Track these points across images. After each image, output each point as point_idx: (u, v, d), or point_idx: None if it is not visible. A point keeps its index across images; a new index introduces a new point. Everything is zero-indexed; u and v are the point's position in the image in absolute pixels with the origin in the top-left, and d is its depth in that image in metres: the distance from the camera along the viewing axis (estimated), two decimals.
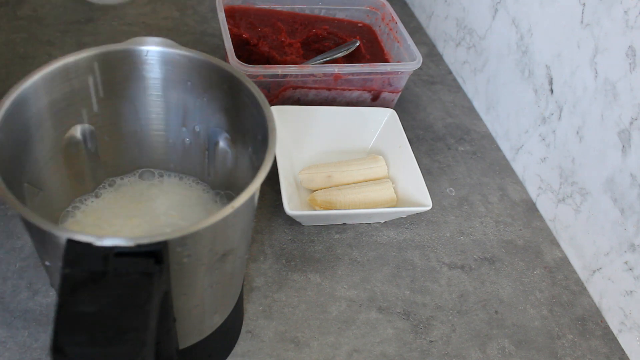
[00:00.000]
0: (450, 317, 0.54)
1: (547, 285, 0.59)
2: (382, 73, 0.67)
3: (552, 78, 0.63)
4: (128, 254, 0.28)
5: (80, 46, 0.75)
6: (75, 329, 0.26)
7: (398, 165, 0.62)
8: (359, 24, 0.79)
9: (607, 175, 0.56)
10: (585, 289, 0.59)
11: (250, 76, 0.61)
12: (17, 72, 0.69)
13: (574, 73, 0.60)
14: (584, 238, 0.59)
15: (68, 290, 0.27)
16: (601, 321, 0.57)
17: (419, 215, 0.63)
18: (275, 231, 0.58)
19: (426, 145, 0.72)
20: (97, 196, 0.44)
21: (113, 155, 0.44)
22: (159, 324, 0.29)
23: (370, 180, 0.61)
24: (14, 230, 0.54)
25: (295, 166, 0.63)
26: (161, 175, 0.47)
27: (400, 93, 0.71)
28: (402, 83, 0.70)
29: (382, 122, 0.66)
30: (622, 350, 0.55)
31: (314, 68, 0.64)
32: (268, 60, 0.70)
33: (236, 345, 0.49)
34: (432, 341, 0.52)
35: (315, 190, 0.61)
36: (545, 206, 0.65)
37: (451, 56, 0.84)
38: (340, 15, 0.79)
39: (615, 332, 0.56)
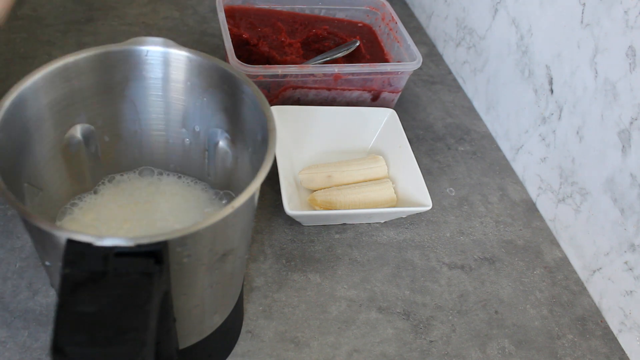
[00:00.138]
0: (450, 317, 0.54)
1: (547, 285, 0.59)
2: (382, 73, 0.67)
3: (552, 78, 0.63)
4: (128, 254, 0.28)
5: (80, 46, 0.75)
6: (75, 329, 0.26)
7: (398, 165, 0.62)
8: (359, 24, 0.79)
9: (607, 175, 0.56)
10: (585, 289, 0.59)
11: (250, 76, 0.61)
12: (17, 72, 0.69)
13: (574, 73, 0.60)
14: (584, 238, 0.59)
15: (68, 290, 0.27)
16: (601, 321, 0.57)
17: (419, 215, 0.63)
18: (275, 231, 0.58)
19: (426, 145, 0.72)
20: (95, 192, 0.44)
21: (113, 155, 0.44)
22: (159, 324, 0.29)
23: (370, 180, 0.61)
24: (14, 230, 0.54)
25: (295, 166, 0.63)
26: (160, 174, 0.47)
27: (400, 93, 0.71)
28: (402, 83, 0.70)
29: (382, 122, 0.66)
30: (622, 350, 0.55)
31: (314, 68, 0.64)
32: (268, 60, 0.70)
33: (236, 345, 0.49)
34: (432, 341, 0.52)
35: (315, 190, 0.61)
36: (545, 206, 0.65)
37: (451, 56, 0.84)
38: (340, 15, 0.79)
39: (615, 332, 0.56)
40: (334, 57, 0.72)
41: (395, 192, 0.60)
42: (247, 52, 0.71)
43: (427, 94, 0.80)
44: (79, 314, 0.27)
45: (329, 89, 0.68)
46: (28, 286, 0.50)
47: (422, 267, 0.58)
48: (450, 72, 0.84)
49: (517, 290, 0.58)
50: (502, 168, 0.71)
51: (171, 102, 0.42)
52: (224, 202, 0.46)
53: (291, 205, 0.54)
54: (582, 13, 0.58)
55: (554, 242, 0.63)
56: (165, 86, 0.41)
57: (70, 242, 0.28)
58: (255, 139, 0.38)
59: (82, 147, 0.42)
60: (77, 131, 0.40)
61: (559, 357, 0.53)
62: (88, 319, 0.27)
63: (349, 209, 0.58)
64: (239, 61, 0.61)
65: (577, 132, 0.60)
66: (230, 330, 0.47)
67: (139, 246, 0.28)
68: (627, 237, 0.54)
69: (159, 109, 0.43)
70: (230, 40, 0.64)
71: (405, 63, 0.67)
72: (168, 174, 0.47)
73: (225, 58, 0.67)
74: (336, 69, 0.64)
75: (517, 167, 0.70)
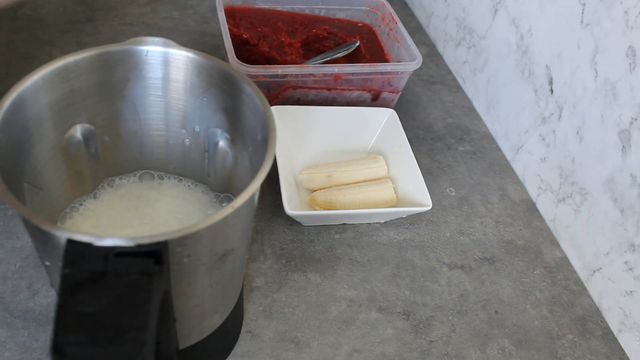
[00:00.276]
0: (450, 317, 0.54)
1: (547, 285, 0.59)
2: (382, 73, 0.67)
3: (552, 78, 0.63)
4: (128, 254, 0.28)
5: (80, 46, 0.75)
6: (75, 329, 0.26)
7: (398, 165, 0.62)
8: (359, 24, 0.79)
9: (607, 175, 0.56)
10: (585, 289, 0.59)
11: (250, 76, 0.61)
12: (17, 72, 0.69)
13: (574, 73, 0.60)
14: (584, 238, 0.59)
15: (68, 290, 0.27)
16: (601, 321, 0.57)
17: (419, 215, 0.63)
18: (275, 231, 0.58)
19: (426, 145, 0.72)
20: (95, 197, 0.44)
21: (113, 155, 0.44)
22: (159, 324, 0.29)
23: (370, 180, 0.61)
24: (14, 230, 0.54)
25: (295, 166, 0.63)
26: (161, 178, 0.47)
27: (400, 93, 0.71)
28: (402, 83, 0.70)
29: (382, 122, 0.66)
30: (622, 350, 0.55)
31: (314, 68, 0.64)
32: (268, 60, 0.70)
33: (236, 345, 0.49)
34: (432, 341, 0.52)
35: (315, 190, 0.61)
36: (545, 206, 0.65)
37: (451, 56, 0.84)
38: (340, 15, 0.79)
39: (615, 332, 0.56)
40: (334, 57, 0.72)
41: (395, 192, 0.60)
42: (247, 52, 0.71)
43: (427, 94, 0.80)
44: (79, 314, 0.27)
45: (329, 89, 0.68)
46: (28, 286, 0.50)
47: (422, 267, 0.58)
48: (450, 72, 0.84)
49: (517, 290, 0.58)
50: (502, 168, 0.71)
51: (171, 102, 0.42)
52: (224, 204, 0.46)
53: (291, 205, 0.54)
54: (582, 13, 0.58)
55: (554, 242, 0.63)
56: (165, 86, 0.41)
57: (70, 242, 0.28)
58: (255, 139, 0.38)
59: (82, 147, 0.42)
60: (77, 131, 0.40)
61: (559, 357, 0.53)
62: (88, 319, 0.27)
63: (349, 209, 0.58)
64: (239, 61, 0.61)
65: (577, 132, 0.60)
66: (230, 330, 0.47)
67: (139, 246, 0.28)
68: (627, 237, 0.54)
69: (159, 109, 0.43)
70: (230, 40, 0.64)
71: (405, 63, 0.67)
72: (168, 177, 0.47)
73: (225, 58, 0.67)
74: (336, 69, 0.64)
75: (517, 167, 0.70)
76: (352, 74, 0.66)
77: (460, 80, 0.82)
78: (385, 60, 0.75)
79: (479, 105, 0.78)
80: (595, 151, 0.57)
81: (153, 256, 0.29)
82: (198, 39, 0.80)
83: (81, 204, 0.43)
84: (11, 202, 0.29)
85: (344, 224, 0.60)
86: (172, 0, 0.86)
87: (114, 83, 0.40)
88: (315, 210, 0.58)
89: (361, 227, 0.61)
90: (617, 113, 0.54)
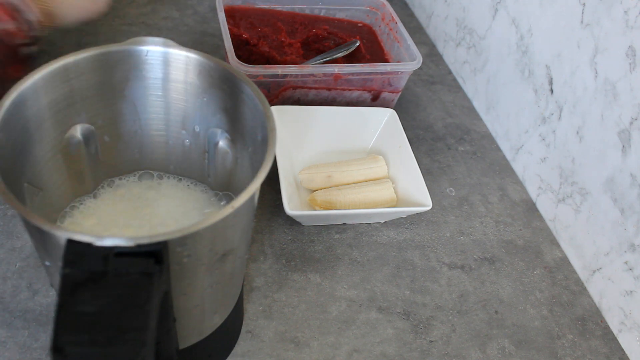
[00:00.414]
0: (450, 317, 0.54)
1: (547, 285, 0.59)
2: (382, 73, 0.67)
3: (552, 78, 0.63)
4: (128, 254, 0.28)
5: (80, 46, 0.75)
6: (75, 329, 0.26)
7: (398, 165, 0.62)
8: (359, 24, 0.79)
9: (607, 175, 0.56)
10: (585, 289, 0.59)
11: (250, 76, 0.61)
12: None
13: (574, 73, 0.60)
14: (584, 238, 0.59)
15: (68, 290, 0.27)
16: (601, 321, 0.57)
17: (419, 215, 0.63)
18: (275, 231, 0.58)
19: (426, 145, 0.72)
20: (95, 197, 0.44)
21: (113, 155, 0.44)
22: (159, 324, 0.29)
23: (370, 180, 0.61)
24: (14, 230, 0.54)
25: (295, 166, 0.63)
26: (160, 178, 0.47)
27: (400, 93, 0.71)
28: (402, 83, 0.70)
29: (382, 122, 0.66)
30: (622, 350, 0.55)
31: (314, 68, 0.64)
32: (268, 60, 0.70)
33: (236, 345, 0.49)
34: (432, 341, 0.52)
35: (315, 190, 0.61)
36: (545, 206, 0.65)
37: (451, 56, 0.84)
38: (340, 15, 0.79)
39: (615, 332, 0.56)
40: (334, 57, 0.72)
41: (395, 192, 0.60)
42: (247, 52, 0.71)
43: (427, 94, 0.80)
44: (79, 314, 0.27)
45: (329, 89, 0.68)
46: (28, 286, 0.50)
47: (422, 267, 0.58)
48: (450, 72, 0.84)
49: (517, 290, 0.58)
50: (502, 168, 0.71)
51: (171, 102, 0.42)
52: (223, 203, 0.46)
53: (291, 205, 0.54)
54: (582, 13, 0.58)
55: (554, 242, 0.63)
56: (165, 86, 0.41)
57: (70, 242, 0.28)
58: (255, 139, 0.38)
59: (82, 147, 0.42)
60: (77, 131, 0.40)
61: (559, 357, 0.53)
62: (88, 319, 0.27)
63: (349, 209, 0.58)
64: (239, 61, 0.61)
65: (577, 132, 0.60)
66: (230, 330, 0.47)
67: (139, 246, 0.28)
68: (627, 237, 0.54)
69: (159, 109, 0.43)
70: (230, 40, 0.64)
71: (405, 63, 0.67)
72: (168, 177, 0.47)
73: (225, 58, 0.67)
74: (336, 69, 0.64)
75: (517, 167, 0.70)
76: (352, 74, 0.66)
77: (460, 80, 0.82)
78: (385, 60, 0.75)
79: (479, 105, 0.78)
80: (595, 151, 0.57)
81: (153, 256, 0.29)
82: (198, 39, 0.80)
83: (81, 203, 0.43)
84: (11, 202, 0.29)
85: (344, 224, 0.60)
86: (172, 0, 0.86)
87: (114, 83, 0.40)
88: (315, 210, 0.58)
89: (361, 227, 0.61)
90: (617, 113, 0.54)
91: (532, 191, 0.68)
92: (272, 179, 0.59)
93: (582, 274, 0.60)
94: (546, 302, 0.57)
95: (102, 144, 0.43)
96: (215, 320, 0.43)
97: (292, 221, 0.59)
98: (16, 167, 0.35)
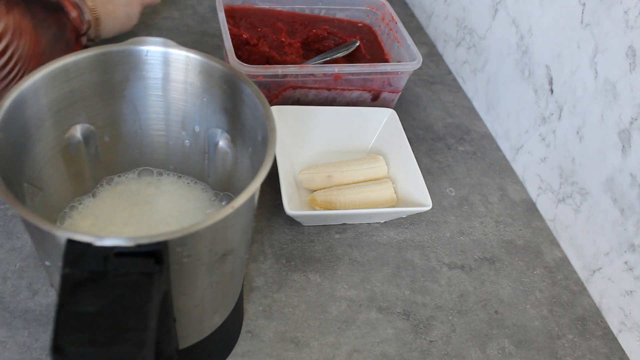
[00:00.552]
0: (450, 317, 0.54)
1: (547, 285, 0.59)
2: (382, 73, 0.67)
3: (552, 78, 0.63)
4: (128, 254, 0.28)
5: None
6: (75, 329, 0.26)
7: (398, 165, 0.62)
8: (359, 24, 0.79)
9: (607, 175, 0.56)
10: (585, 289, 0.59)
11: (250, 76, 0.61)
12: None
13: (574, 73, 0.60)
14: (584, 238, 0.59)
15: (68, 290, 0.27)
16: (601, 321, 0.57)
17: (419, 215, 0.63)
18: (275, 231, 0.58)
19: (426, 145, 0.72)
20: (94, 196, 0.44)
21: (113, 155, 0.44)
22: (159, 324, 0.29)
23: (370, 180, 0.61)
24: (14, 230, 0.54)
25: (295, 166, 0.63)
26: (160, 174, 0.47)
27: (400, 93, 0.71)
28: (402, 83, 0.70)
29: (382, 122, 0.66)
30: (622, 350, 0.55)
31: (314, 68, 0.64)
32: (268, 60, 0.70)
33: (236, 345, 0.49)
34: (432, 341, 0.52)
35: (315, 190, 0.61)
36: (545, 206, 0.65)
37: (451, 56, 0.84)
38: (340, 15, 0.79)
39: (615, 332, 0.56)
40: (334, 57, 0.72)
41: (395, 192, 0.60)
42: (247, 52, 0.71)
43: (427, 94, 0.80)
44: (79, 314, 0.27)
45: (329, 89, 0.68)
46: (28, 286, 0.50)
47: (422, 267, 0.58)
48: (450, 72, 0.84)
49: (517, 290, 0.58)
50: (502, 168, 0.71)
51: (171, 102, 0.42)
52: (223, 203, 0.46)
53: (291, 205, 0.54)
54: (582, 13, 0.58)
55: (554, 242, 0.63)
56: (165, 86, 0.41)
57: (70, 242, 0.28)
58: (255, 139, 0.38)
59: (82, 148, 0.42)
60: (77, 131, 0.40)
61: (559, 357, 0.53)
62: (88, 319, 0.27)
63: (349, 209, 0.58)
64: (239, 61, 0.61)
65: (577, 132, 0.60)
66: (230, 330, 0.47)
67: (139, 246, 0.28)
68: (627, 237, 0.54)
69: (159, 109, 0.43)
70: (230, 40, 0.64)
71: (405, 63, 0.67)
72: (168, 174, 0.47)
73: (225, 58, 0.67)
74: (336, 69, 0.64)
75: (517, 167, 0.70)
76: (352, 74, 0.66)
77: (460, 80, 0.82)
78: (385, 60, 0.75)
79: (479, 105, 0.78)
80: (595, 151, 0.57)
81: (153, 256, 0.29)
82: (198, 39, 0.80)
83: (80, 203, 0.43)
84: (11, 202, 0.29)
85: (344, 224, 0.60)
86: (172, 0, 0.86)
87: (114, 83, 0.40)
88: (315, 210, 0.58)
89: (361, 227, 0.61)
90: (617, 113, 0.54)
91: (532, 191, 0.68)
92: (272, 179, 0.59)
93: (582, 274, 0.60)
94: (546, 302, 0.57)
95: (102, 144, 0.43)
96: (215, 320, 0.43)
97: (292, 221, 0.59)
98: (16, 167, 0.35)
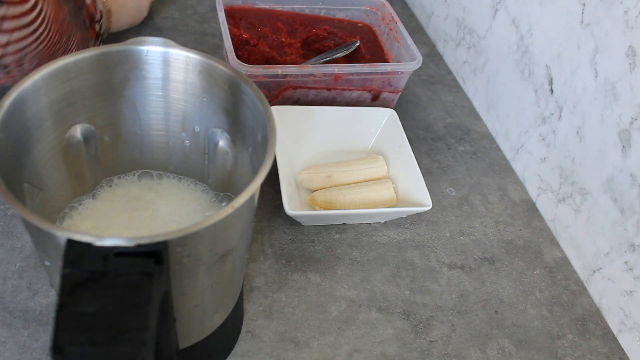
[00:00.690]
0: (450, 317, 0.54)
1: (547, 285, 0.59)
2: (382, 73, 0.67)
3: (552, 78, 0.63)
4: (128, 254, 0.28)
5: None
6: (75, 329, 0.26)
7: (398, 165, 0.62)
8: (359, 24, 0.79)
9: (607, 175, 0.56)
10: (585, 289, 0.59)
11: (250, 76, 0.61)
12: None
13: (574, 73, 0.60)
14: (584, 238, 0.59)
15: (68, 290, 0.27)
16: (601, 321, 0.57)
17: (419, 215, 0.63)
18: (275, 231, 0.58)
19: (426, 145, 0.72)
20: (94, 197, 0.44)
21: (113, 155, 0.44)
22: (159, 324, 0.29)
23: (370, 180, 0.61)
24: (14, 230, 0.54)
25: (295, 166, 0.63)
26: (160, 177, 0.47)
27: (400, 93, 0.71)
28: (402, 83, 0.70)
29: (382, 122, 0.66)
30: (622, 350, 0.55)
31: (314, 68, 0.64)
32: (268, 60, 0.70)
33: (236, 345, 0.49)
34: (432, 341, 0.52)
35: (315, 190, 0.61)
36: (545, 206, 0.65)
37: (451, 56, 0.84)
38: (340, 15, 0.79)
39: (615, 332, 0.56)
40: (334, 57, 0.72)
41: (395, 192, 0.60)
42: (247, 52, 0.71)
43: (427, 94, 0.80)
44: (79, 314, 0.27)
45: (329, 89, 0.68)
46: (28, 286, 0.50)
47: (422, 267, 0.58)
48: (450, 72, 0.84)
49: (517, 290, 0.58)
50: (502, 168, 0.71)
51: (171, 102, 0.42)
52: (223, 204, 0.46)
53: (291, 205, 0.54)
54: (582, 13, 0.58)
55: (554, 242, 0.63)
56: (165, 86, 0.41)
57: (70, 242, 0.28)
58: (255, 139, 0.38)
59: (82, 148, 0.42)
60: (77, 131, 0.40)
61: (559, 357, 0.53)
62: (88, 319, 0.27)
63: (349, 209, 0.58)
64: (239, 61, 0.61)
65: (577, 132, 0.60)
66: (230, 330, 0.47)
67: (139, 246, 0.28)
68: (627, 237, 0.54)
69: (159, 109, 0.43)
70: (230, 40, 0.64)
71: (405, 63, 0.67)
72: (168, 176, 0.47)
73: (225, 58, 0.67)
74: (336, 69, 0.64)
75: (517, 167, 0.70)
76: (352, 74, 0.66)
77: (460, 80, 0.82)
78: (385, 60, 0.75)
79: (479, 105, 0.78)
80: (595, 151, 0.57)
81: (153, 256, 0.29)
82: (198, 39, 0.80)
83: (80, 204, 0.43)
84: (11, 202, 0.29)
85: (344, 224, 0.60)
86: (172, 0, 0.86)
87: (114, 83, 0.40)
88: (315, 210, 0.58)
89: (361, 227, 0.61)
90: (617, 113, 0.54)
91: (532, 191, 0.68)
92: (272, 179, 0.59)
93: (582, 274, 0.60)
94: (546, 302, 0.57)
95: (102, 144, 0.43)
96: (215, 320, 0.43)
97: (292, 221, 0.59)
98: (16, 167, 0.35)
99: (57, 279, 0.28)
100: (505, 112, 0.72)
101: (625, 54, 0.53)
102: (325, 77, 0.66)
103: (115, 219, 0.43)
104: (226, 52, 0.63)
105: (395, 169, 0.63)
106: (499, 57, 0.73)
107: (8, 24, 0.47)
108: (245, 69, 0.61)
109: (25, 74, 0.51)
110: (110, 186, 0.45)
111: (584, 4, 0.57)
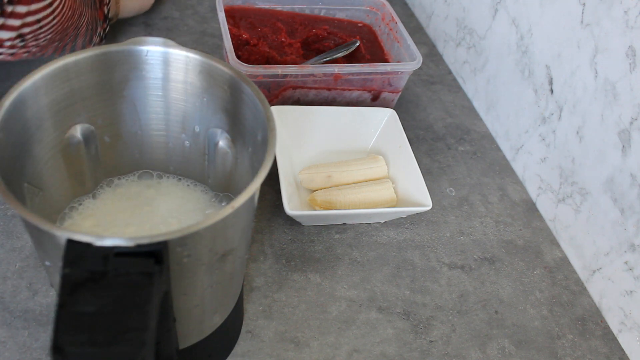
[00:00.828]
0: (450, 317, 0.54)
1: (547, 285, 0.59)
2: (382, 73, 0.67)
3: (552, 78, 0.63)
4: (128, 254, 0.28)
5: None
6: (75, 329, 0.26)
7: (398, 165, 0.62)
8: (359, 24, 0.79)
9: (607, 175, 0.56)
10: (585, 289, 0.59)
11: (250, 76, 0.61)
12: (17, 72, 0.69)
13: (574, 73, 0.60)
14: (584, 238, 0.59)
15: (68, 290, 0.27)
16: (601, 321, 0.57)
17: (419, 215, 0.63)
18: (275, 231, 0.58)
19: (426, 145, 0.72)
20: (94, 197, 0.44)
21: (113, 156, 0.44)
22: (159, 324, 0.29)
23: (370, 180, 0.61)
24: (14, 230, 0.54)
25: (295, 166, 0.63)
26: (160, 177, 0.47)
27: (400, 93, 0.71)
28: (402, 83, 0.70)
29: (382, 122, 0.66)
30: (622, 350, 0.55)
31: (314, 68, 0.64)
32: (268, 60, 0.70)
33: (236, 345, 0.49)
34: (432, 341, 0.52)
35: (315, 190, 0.61)
36: (545, 206, 0.65)
37: (451, 56, 0.84)
38: (340, 15, 0.79)
39: (615, 332, 0.56)
40: (334, 57, 0.72)
41: (395, 192, 0.60)
42: (247, 52, 0.71)
43: (427, 94, 0.80)
44: (79, 314, 0.27)
45: (329, 89, 0.68)
46: (28, 286, 0.50)
47: (422, 267, 0.58)
48: (450, 72, 0.84)
49: (517, 290, 0.58)
50: (502, 168, 0.71)
51: (171, 102, 0.42)
52: (223, 204, 0.46)
53: (291, 205, 0.54)
54: (582, 13, 0.58)
55: (554, 242, 0.63)
56: (165, 86, 0.41)
57: (70, 242, 0.28)
58: (255, 139, 0.38)
59: (82, 148, 0.42)
60: (77, 131, 0.40)
61: (559, 357, 0.53)
62: (88, 319, 0.27)
63: (349, 209, 0.58)
64: (239, 61, 0.61)
65: (577, 132, 0.60)
66: (230, 330, 0.47)
67: (139, 246, 0.28)
68: (627, 237, 0.54)
69: (159, 109, 0.43)
70: (230, 40, 0.64)
71: (405, 63, 0.67)
72: (168, 177, 0.47)
73: (225, 58, 0.67)
74: (336, 69, 0.64)
75: (517, 167, 0.70)
76: (352, 74, 0.66)
77: (460, 80, 0.82)
78: (385, 60, 0.75)
79: (479, 105, 0.78)
80: (595, 151, 0.57)
81: (153, 256, 0.29)
82: (198, 39, 0.80)
83: (80, 204, 0.43)
84: (11, 202, 0.29)
85: (344, 224, 0.60)
86: (172, 0, 0.86)
87: (114, 83, 0.40)
88: (315, 210, 0.58)
89: (361, 227, 0.61)
90: (617, 113, 0.54)
91: (532, 191, 0.68)
92: (272, 179, 0.59)
93: (582, 274, 0.60)
94: (546, 302, 0.57)
95: (102, 144, 0.43)
96: (215, 320, 0.43)
97: (292, 221, 0.59)
98: (16, 167, 0.35)
99: (57, 279, 0.28)
100: (505, 112, 0.72)
101: (625, 54, 0.53)
102: (325, 77, 0.66)
103: (117, 215, 0.43)
104: (226, 52, 0.63)
105: (395, 169, 0.63)
106: (499, 57, 0.73)
107: None
108: (245, 69, 0.61)
109: (39, 48, 0.52)
110: (111, 186, 0.45)
111: (584, 4, 0.57)
